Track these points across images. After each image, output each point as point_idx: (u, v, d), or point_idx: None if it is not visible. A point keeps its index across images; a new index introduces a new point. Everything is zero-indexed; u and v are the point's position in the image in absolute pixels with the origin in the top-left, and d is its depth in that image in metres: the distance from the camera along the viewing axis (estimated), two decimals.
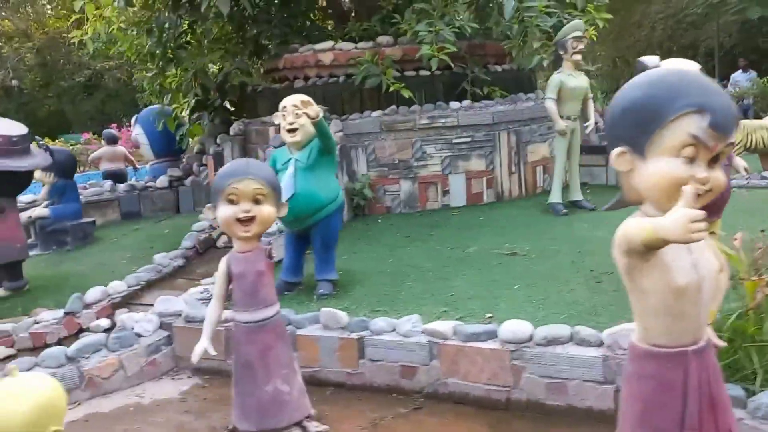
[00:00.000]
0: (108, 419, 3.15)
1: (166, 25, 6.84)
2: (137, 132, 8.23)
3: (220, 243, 5.30)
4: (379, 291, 3.99)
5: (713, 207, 2.54)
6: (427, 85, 6.25)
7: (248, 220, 2.56)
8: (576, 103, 5.47)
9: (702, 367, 1.60)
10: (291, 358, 2.73)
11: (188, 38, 7.18)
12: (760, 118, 8.85)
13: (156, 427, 3.06)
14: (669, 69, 1.63)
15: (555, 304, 3.51)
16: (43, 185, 6.06)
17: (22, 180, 4.74)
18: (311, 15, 7.66)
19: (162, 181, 7.26)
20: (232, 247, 5.19)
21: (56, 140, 14.75)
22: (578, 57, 5.39)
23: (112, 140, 9.45)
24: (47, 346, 3.78)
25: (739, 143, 6.58)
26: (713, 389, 1.62)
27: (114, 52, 7.97)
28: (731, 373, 2.50)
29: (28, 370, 3.28)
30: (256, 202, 2.56)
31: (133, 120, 8.65)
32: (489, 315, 3.40)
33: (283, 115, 3.91)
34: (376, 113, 6.04)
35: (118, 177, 8.24)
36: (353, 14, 7.26)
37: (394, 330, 3.20)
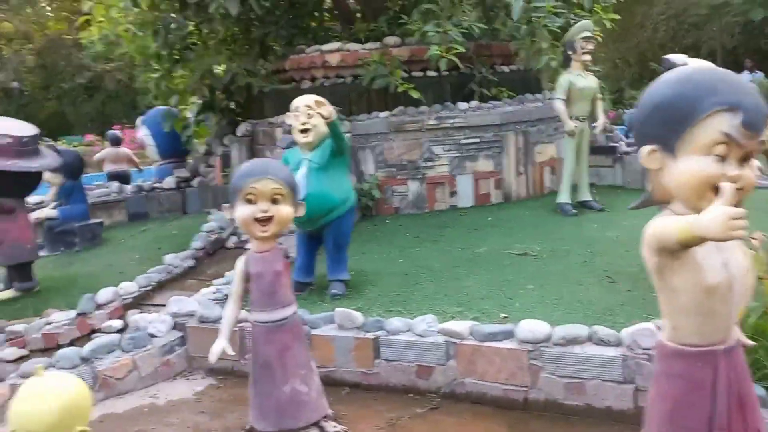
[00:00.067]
0: (123, 420, 3.15)
1: (173, 26, 6.84)
2: (143, 133, 8.23)
3: (230, 244, 5.30)
4: (391, 291, 3.98)
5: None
6: (435, 85, 6.24)
7: (266, 220, 2.56)
8: (585, 103, 5.46)
9: (731, 367, 1.60)
10: (308, 358, 2.73)
11: (194, 39, 7.18)
12: None
13: (172, 427, 3.06)
14: (698, 67, 1.63)
15: (569, 304, 3.51)
16: (51, 186, 6.04)
17: (32, 181, 4.74)
18: (318, 16, 7.66)
19: (169, 182, 7.25)
20: (241, 248, 5.20)
21: (57, 142, 14.73)
22: (587, 57, 5.39)
23: (116, 141, 9.44)
24: (59, 347, 3.78)
25: None
26: (742, 389, 1.62)
27: (118, 52, 7.96)
28: (752, 372, 2.49)
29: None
30: (274, 201, 2.56)
31: (138, 121, 8.64)
32: (504, 315, 3.39)
33: (296, 116, 3.91)
34: (384, 114, 6.04)
35: (121, 178, 8.21)
36: (359, 15, 7.25)
37: (410, 330, 3.19)
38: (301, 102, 3.90)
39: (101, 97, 23.16)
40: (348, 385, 3.26)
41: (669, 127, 1.49)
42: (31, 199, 6.22)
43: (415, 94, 5.83)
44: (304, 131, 3.88)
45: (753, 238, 2.77)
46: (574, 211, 5.46)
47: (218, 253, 5.19)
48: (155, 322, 3.66)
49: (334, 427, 2.74)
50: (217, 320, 3.59)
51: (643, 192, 1.76)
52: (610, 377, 2.70)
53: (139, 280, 4.45)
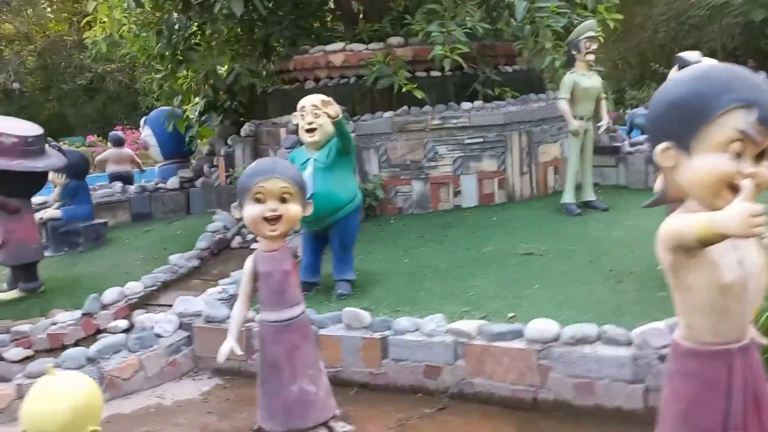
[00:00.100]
0: (130, 420, 3.14)
1: (176, 26, 6.83)
2: (146, 133, 8.22)
3: (235, 244, 5.29)
4: (398, 291, 3.97)
5: None
6: (439, 85, 6.24)
7: (275, 219, 2.55)
8: (589, 103, 5.46)
9: (746, 365, 1.59)
10: (317, 357, 2.72)
11: (198, 40, 7.18)
12: None
13: (180, 428, 3.05)
14: (713, 65, 1.62)
15: (577, 304, 3.50)
16: (55, 186, 6.04)
17: (37, 181, 4.74)
18: (321, 17, 7.66)
19: (173, 182, 7.24)
20: (246, 248, 5.19)
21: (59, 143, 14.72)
22: (591, 57, 5.39)
23: (118, 142, 9.44)
24: (65, 347, 3.77)
25: None
26: (757, 387, 1.61)
27: (120, 53, 7.96)
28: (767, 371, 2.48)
29: None
30: (283, 200, 2.55)
31: (141, 122, 8.64)
32: (511, 315, 3.39)
33: (302, 115, 3.91)
34: (388, 114, 6.04)
35: (124, 179, 8.21)
36: (362, 16, 7.25)
37: (418, 330, 3.19)
38: (307, 101, 3.90)
39: (102, 98, 23.16)
40: (356, 385, 3.25)
41: (684, 125, 1.48)
42: (35, 199, 6.22)
43: (419, 94, 5.83)
44: (310, 131, 3.88)
45: (765, 237, 2.77)
46: (578, 211, 5.46)
47: (223, 253, 5.18)
48: (161, 322, 3.65)
49: (343, 427, 2.74)
50: (224, 320, 3.59)
51: (657, 192, 1.75)
52: (620, 377, 2.70)
53: (145, 280, 4.44)
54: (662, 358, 2.64)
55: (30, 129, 4.60)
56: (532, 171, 6.18)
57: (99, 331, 3.98)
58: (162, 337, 3.60)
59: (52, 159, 4.66)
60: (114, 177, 8.44)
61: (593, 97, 5.47)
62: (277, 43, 7.08)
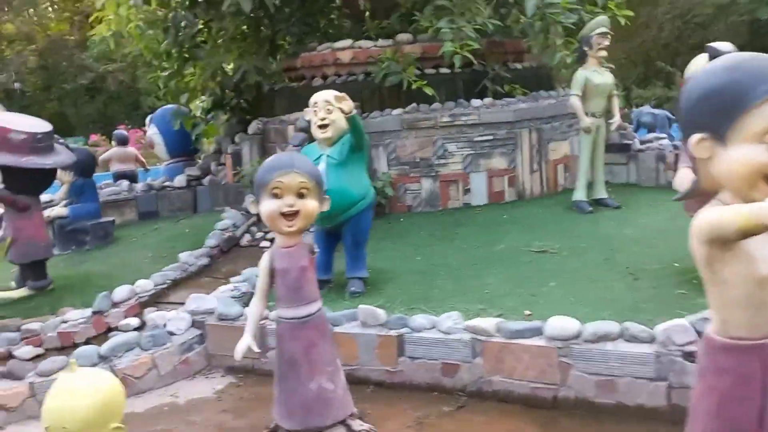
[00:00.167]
0: (144, 419, 3.10)
1: (182, 23, 6.80)
2: (152, 132, 8.19)
3: (244, 242, 5.26)
4: (411, 289, 3.94)
5: None
6: (448, 82, 6.20)
7: (292, 215, 2.51)
8: (601, 99, 5.42)
9: None
10: (334, 355, 2.68)
11: (204, 37, 7.14)
12: None
13: (195, 426, 3.02)
14: (746, 54, 1.59)
15: (594, 301, 3.46)
16: (62, 184, 6.00)
17: (46, 178, 4.71)
18: (328, 14, 7.62)
19: (180, 180, 7.21)
20: (255, 246, 5.14)
21: None
22: (603, 53, 5.35)
23: (123, 141, 9.42)
24: (75, 345, 3.74)
25: None
26: None
27: (124, 51, 7.92)
28: None
29: (61, 369, 3.24)
30: (300, 196, 2.52)
31: (147, 120, 8.61)
32: (528, 312, 3.35)
33: (314, 111, 3.87)
34: (397, 111, 6.00)
35: (128, 178, 8.19)
36: (369, 13, 7.21)
37: (435, 327, 3.15)
38: (320, 97, 3.87)
39: (103, 98, 23.16)
40: (371, 384, 3.21)
41: (719, 115, 1.45)
42: (41, 197, 6.19)
43: (429, 91, 5.79)
44: (322, 126, 3.85)
45: None
46: (590, 208, 5.42)
47: (232, 251, 5.15)
48: (174, 319, 3.62)
49: (361, 425, 2.70)
50: (237, 318, 3.56)
51: (681, 186, 1.71)
52: (643, 374, 2.66)
53: (155, 278, 4.41)
54: (686, 355, 2.60)
55: (39, 125, 4.56)
56: (542, 169, 6.14)
57: (110, 330, 3.95)
58: (175, 335, 3.56)
59: (61, 156, 4.63)
60: (118, 176, 8.42)
61: (605, 93, 5.42)
62: (284, 40, 7.04)
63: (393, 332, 3.18)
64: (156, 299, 4.29)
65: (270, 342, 3.24)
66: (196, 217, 6.76)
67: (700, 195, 1.71)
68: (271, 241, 4.90)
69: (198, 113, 7.63)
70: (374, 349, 3.19)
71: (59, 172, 5.53)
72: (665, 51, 17.39)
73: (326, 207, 2.66)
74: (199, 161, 7.92)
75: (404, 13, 6.63)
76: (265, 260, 2.61)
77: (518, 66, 6.69)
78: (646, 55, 17.84)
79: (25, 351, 3.71)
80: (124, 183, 7.30)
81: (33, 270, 4.64)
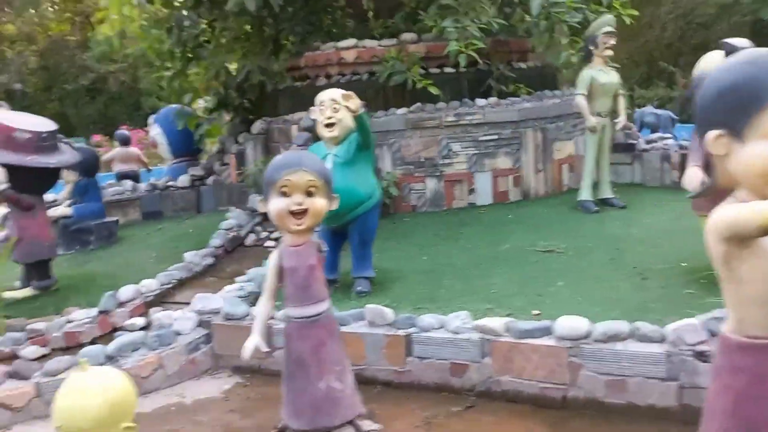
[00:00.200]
0: (152, 419, 3.08)
1: (186, 23, 6.78)
2: (155, 132, 8.18)
3: (249, 241, 5.24)
4: (417, 288, 3.93)
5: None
6: (453, 82, 6.18)
7: (301, 213, 2.50)
8: (607, 99, 5.40)
9: None
10: (343, 354, 2.67)
11: (207, 37, 7.13)
12: None
13: (202, 426, 3.00)
14: (763, 50, 1.57)
15: (601, 301, 3.45)
16: (66, 183, 5.99)
17: (50, 177, 4.70)
18: (332, 13, 7.60)
19: (183, 180, 7.20)
20: (260, 245, 5.13)
21: None
22: (609, 52, 5.33)
23: (125, 141, 9.41)
24: (81, 345, 3.72)
25: None
26: None
27: (126, 52, 7.92)
28: None
29: (67, 369, 3.23)
30: (309, 194, 2.51)
31: (150, 120, 8.60)
32: (536, 312, 3.34)
33: (321, 110, 3.86)
34: (402, 111, 5.98)
35: (131, 178, 8.18)
36: (372, 13, 7.19)
37: (443, 327, 3.13)
38: (326, 96, 3.86)
39: (104, 98, 23.13)
40: (379, 384, 3.19)
41: (737, 112, 1.44)
42: (44, 197, 6.17)
43: (434, 90, 5.77)
44: (329, 125, 3.83)
45: None
46: (596, 208, 5.40)
47: (237, 251, 5.14)
48: (180, 319, 3.60)
49: (370, 425, 2.69)
50: (243, 318, 3.54)
51: (694, 183, 1.70)
52: (654, 374, 2.64)
53: (160, 277, 4.39)
54: (697, 355, 2.58)
55: (44, 124, 4.56)
56: (547, 168, 6.13)
57: (115, 329, 3.93)
58: (181, 334, 3.54)
59: (65, 155, 4.62)
60: (121, 176, 8.41)
61: (611, 93, 5.41)
62: (287, 40, 7.02)
63: (401, 332, 3.16)
64: (161, 299, 4.28)
65: (277, 342, 3.23)
66: (200, 217, 6.75)
67: (713, 193, 1.70)
68: (276, 240, 4.90)
69: (200, 113, 7.62)
70: (382, 348, 3.18)
71: (64, 172, 5.53)
72: (668, 51, 17.36)
73: (335, 205, 2.65)
74: (203, 161, 7.91)
75: (408, 12, 6.62)
76: (273, 259, 2.60)
77: (523, 65, 6.68)
78: (649, 55, 17.81)
79: (31, 351, 3.70)
80: (128, 183, 7.29)
81: (37, 270, 4.63)
